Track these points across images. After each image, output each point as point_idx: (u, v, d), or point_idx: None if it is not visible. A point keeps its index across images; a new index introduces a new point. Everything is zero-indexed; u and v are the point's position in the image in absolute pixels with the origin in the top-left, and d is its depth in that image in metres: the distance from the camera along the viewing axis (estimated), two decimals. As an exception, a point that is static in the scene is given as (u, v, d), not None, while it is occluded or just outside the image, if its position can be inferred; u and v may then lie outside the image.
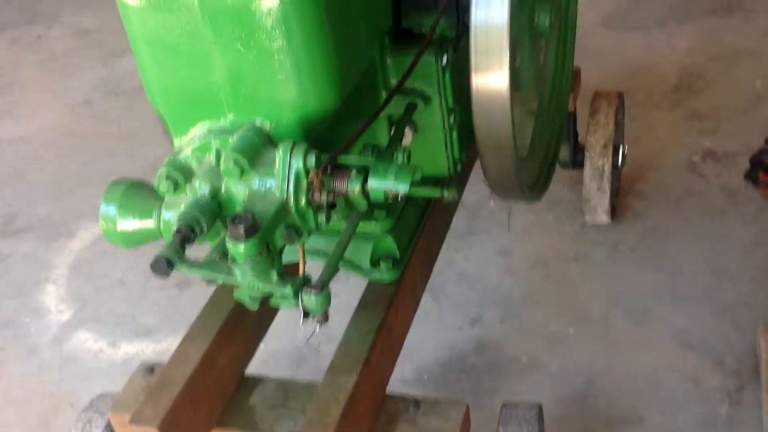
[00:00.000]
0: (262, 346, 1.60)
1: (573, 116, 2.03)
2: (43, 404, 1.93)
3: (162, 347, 1.99)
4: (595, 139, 1.99)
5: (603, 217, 2.09)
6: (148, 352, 2.00)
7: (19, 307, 2.18)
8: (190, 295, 2.11)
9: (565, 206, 2.21)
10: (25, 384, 1.99)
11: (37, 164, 2.67)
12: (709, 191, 2.21)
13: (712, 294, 1.94)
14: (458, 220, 2.20)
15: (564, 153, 2.06)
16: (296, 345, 1.91)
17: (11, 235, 2.40)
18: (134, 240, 1.23)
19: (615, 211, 2.15)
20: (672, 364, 1.81)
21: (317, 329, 1.16)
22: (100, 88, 2.99)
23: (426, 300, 1.99)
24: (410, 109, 1.39)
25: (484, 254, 2.13)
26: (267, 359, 1.85)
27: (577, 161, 2.08)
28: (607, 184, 2.01)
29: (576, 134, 2.07)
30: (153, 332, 2.05)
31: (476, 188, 2.22)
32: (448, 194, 1.41)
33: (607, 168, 1.99)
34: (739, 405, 1.71)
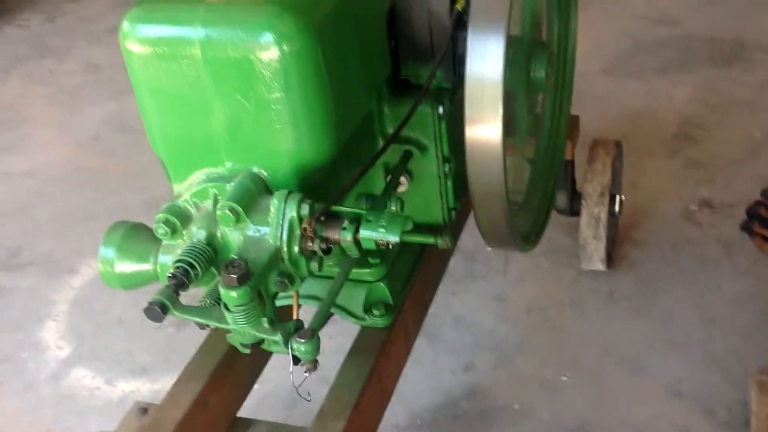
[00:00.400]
0: (256, 386, 1.62)
1: (571, 163, 2.06)
2: (38, 440, 1.95)
3: (158, 386, 2.00)
4: (592, 187, 2.01)
5: (599, 264, 2.11)
6: (144, 390, 2.02)
7: (19, 342, 2.20)
8: (188, 334, 2.12)
9: (562, 253, 2.23)
10: (21, 420, 2.00)
11: (43, 199, 2.70)
12: (705, 241, 2.23)
13: (703, 344, 1.96)
14: (456, 264, 2.23)
15: (562, 200, 2.09)
16: (290, 387, 1.92)
17: (14, 270, 2.42)
18: (131, 282, 1.26)
19: (611, 258, 2.17)
20: (663, 413, 1.82)
21: (307, 376, 1.17)
22: (108, 124, 3.03)
23: (421, 343, 2.02)
24: (406, 157, 1.42)
25: (480, 299, 2.15)
26: (261, 401, 1.87)
27: (574, 208, 2.10)
28: (603, 232, 2.03)
29: (574, 181, 2.10)
30: (149, 371, 2.07)
31: (474, 233, 2.23)
32: (442, 242, 1.43)
33: (604, 216, 2.01)
34: (730, 456, 1.73)
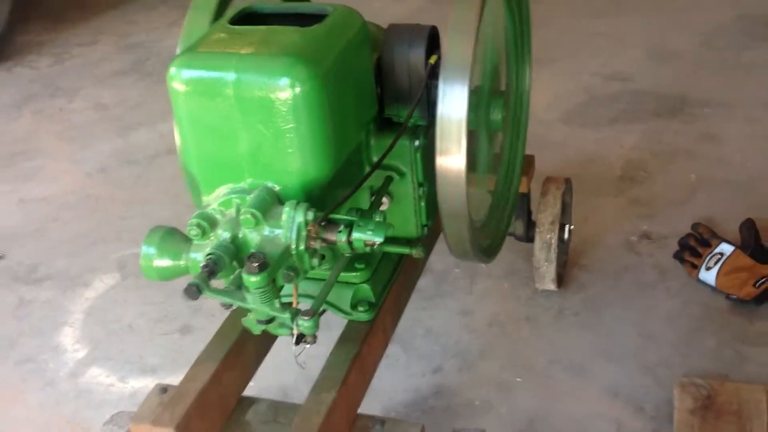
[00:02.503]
0: (252, 383, 1.89)
1: (528, 197, 2.38)
2: (59, 430, 2.20)
3: (165, 384, 2.28)
4: (545, 216, 2.33)
5: (550, 284, 2.42)
6: (152, 387, 2.29)
7: (40, 345, 2.45)
8: (191, 339, 2.40)
9: (520, 275, 2.53)
10: (44, 412, 2.24)
11: (57, 222, 2.97)
12: (643, 267, 2.53)
13: (638, 354, 2.23)
14: (427, 284, 2.53)
15: (520, 228, 2.41)
16: (279, 387, 2.21)
17: (33, 283, 2.70)
18: (166, 275, 1.55)
19: (562, 280, 2.48)
20: (601, 410, 2.09)
21: (307, 347, 1.48)
22: (115, 157, 3.30)
23: (396, 350, 2.31)
24: (388, 181, 1.74)
25: (448, 314, 2.44)
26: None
27: (530, 236, 2.40)
28: (553, 256, 2.34)
29: (530, 212, 2.41)
30: (158, 370, 2.34)
31: (443, 257, 2.55)
32: (415, 252, 1.75)
33: (554, 241, 2.32)
34: (655, 445, 2.03)
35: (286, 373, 2.16)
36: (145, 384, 2.29)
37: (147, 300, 2.58)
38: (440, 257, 2.57)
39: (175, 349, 2.39)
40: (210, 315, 2.45)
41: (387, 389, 2.21)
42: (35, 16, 4.58)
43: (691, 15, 4.03)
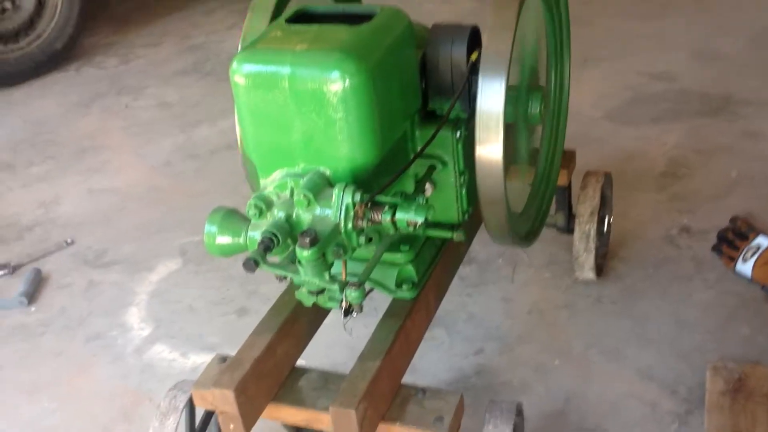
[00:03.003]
0: (303, 361, 2.01)
1: (569, 190, 2.49)
2: (125, 400, 2.35)
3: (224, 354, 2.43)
4: (584, 208, 2.43)
5: (590, 274, 2.52)
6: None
7: (108, 323, 2.64)
8: (247, 321, 2.55)
9: (560, 265, 2.63)
10: (112, 384, 2.42)
11: (123, 212, 3.16)
12: (681, 260, 2.61)
13: (674, 340, 2.33)
14: (471, 272, 2.66)
15: (561, 220, 2.53)
16: (332, 362, 2.36)
17: (102, 267, 2.89)
18: (226, 251, 1.69)
19: (602, 271, 2.57)
20: (635, 392, 2.19)
21: (354, 315, 1.62)
22: (178, 152, 3.48)
23: (440, 333, 2.44)
24: (431, 169, 1.87)
25: (490, 300, 2.56)
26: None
27: (570, 227, 2.52)
28: (592, 246, 2.44)
29: (570, 205, 2.52)
30: (216, 348, 2.48)
31: (487, 247, 2.69)
32: (456, 236, 1.88)
33: (593, 232, 2.43)
34: (687, 425, 2.09)
35: (337, 351, 2.30)
36: (205, 360, 2.43)
37: (206, 284, 2.74)
38: (484, 247, 2.70)
39: (232, 329, 2.54)
40: (266, 299, 2.60)
41: (431, 369, 2.34)
42: (103, 20, 4.81)
43: (737, 18, 4.10)
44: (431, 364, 2.35)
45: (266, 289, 2.65)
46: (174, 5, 4.94)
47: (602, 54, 3.84)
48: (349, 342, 2.31)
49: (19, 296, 2.72)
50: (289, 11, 1.79)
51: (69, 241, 3.00)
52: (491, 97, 1.70)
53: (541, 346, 2.38)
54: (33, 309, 2.72)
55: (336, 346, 2.36)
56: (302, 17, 1.75)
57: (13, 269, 2.88)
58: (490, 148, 1.72)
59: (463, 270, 2.64)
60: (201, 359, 2.46)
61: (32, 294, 2.75)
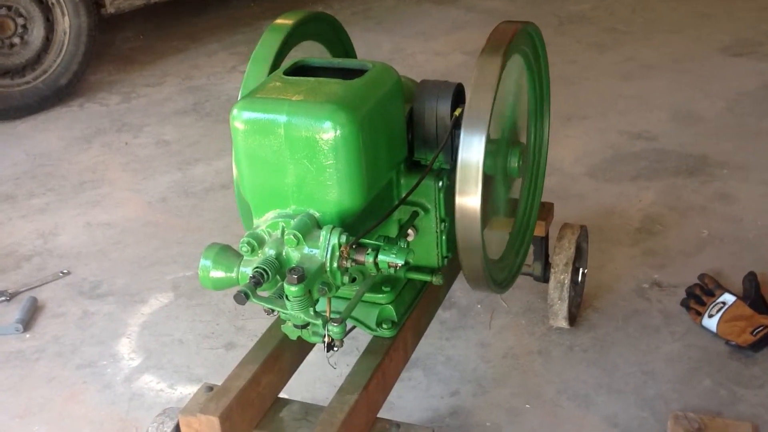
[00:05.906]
0: (287, 395, 2.11)
1: (546, 241, 2.62)
2: (113, 426, 2.43)
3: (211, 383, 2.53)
4: (559, 258, 2.55)
5: (563, 322, 2.63)
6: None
7: (100, 352, 2.71)
8: (235, 355, 2.65)
9: (537, 313, 2.74)
10: (101, 411, 2.49)
11: (119, 245, 3.26)
12: (651, 312, 2.72)
13: (639, 389, 2.43)
14: (451, 316, 2.77)
15: (538, 269, 2.65)
16: (313, 397, 2.46)
17: (96, 298, 2.98)
18: (219, 284, 1.81)
19: (575, 320, 2.69)
20: (601, 437, 2.33)
21: (336, 350, 1.73)
22: (174, 189, 3.58)
23: (418, 374, 2.55)
24: (414, 215, 2.00)
25: (468, 344, 2.66)
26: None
27: (547, 277, 2.64)
28: (566, 295, 2.56)
29: (547, 255, 2.63)
30: (203, 380, 2.55)
31: (467, 293, 2.81)
32: (435, 279, 2.01)
33: (567, 282, 2.54)
34: (648, 471, 2.23)
35: (319, 387, 2.40)
36: (191, 391, 2.52)
37: (196, 318, 2.85)
38: (465, 294, 2.82)
39: (219, 363, 2.64)
40: (253, 335, 2.71)
41: (408, 407, 2.43)
42: (107, 58, 4.95)
43: (717, 82, 4.27)
44: (408, 403, 2.45)
45: (254, 324, 2.75)
46: (176, 46, 5.10)
47: (586, 112, 4.00)
48: (332, 379, 2.43)
49: (15, 323, 2.81)
50: (288, 63, 1.93)
51: (65, 271, 3.10)
52: (472, 151, 1.83)
53: (515, 390, 2.49)
54: (28, 336, 2.81)
55: (318, 382, 2.47)
56: (300, 69, 1.89)
57: (10, 297, 2.98)
58: (469, 198, 1.86)
59: (443, 314, 2.75)
60: (188, 390, 2.55)
61: (28, 321, 2.85)
